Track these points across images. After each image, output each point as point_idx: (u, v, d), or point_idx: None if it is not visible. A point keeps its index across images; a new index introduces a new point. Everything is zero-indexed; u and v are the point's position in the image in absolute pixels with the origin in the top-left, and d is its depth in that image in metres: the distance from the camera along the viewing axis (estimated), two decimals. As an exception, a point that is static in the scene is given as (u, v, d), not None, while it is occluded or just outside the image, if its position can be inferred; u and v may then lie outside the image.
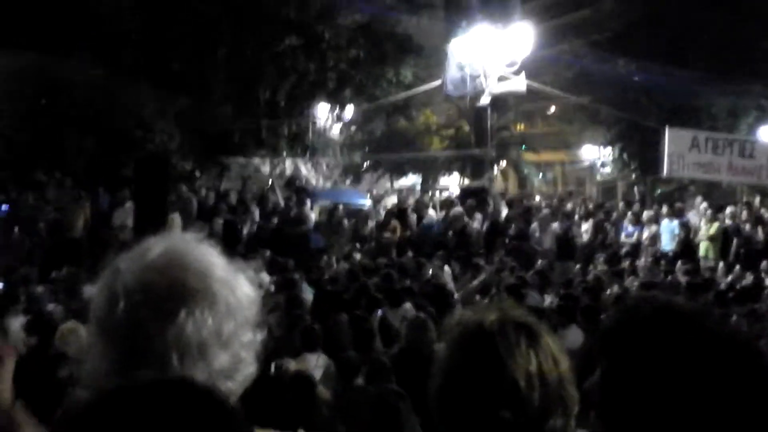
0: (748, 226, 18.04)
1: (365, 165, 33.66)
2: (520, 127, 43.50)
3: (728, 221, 18.01)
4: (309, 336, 8.04)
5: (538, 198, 28.51)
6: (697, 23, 24.33)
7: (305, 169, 23.37)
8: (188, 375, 1.49)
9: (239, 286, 1.62)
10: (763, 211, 19.46)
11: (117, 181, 17.87)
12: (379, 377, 7.39)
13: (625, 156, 30.56)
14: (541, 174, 42.79)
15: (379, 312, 9.86)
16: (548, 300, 11.76)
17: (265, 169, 22.72)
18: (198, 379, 1.49)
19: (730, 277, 15.23)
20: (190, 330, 1.53)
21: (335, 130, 28.92)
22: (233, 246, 14.00)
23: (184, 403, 1.12)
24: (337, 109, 27.73)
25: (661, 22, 25.19)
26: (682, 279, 14.71)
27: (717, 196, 26.37)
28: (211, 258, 1.63)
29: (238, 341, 1.57)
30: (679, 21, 24.80)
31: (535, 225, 18.33)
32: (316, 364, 7.58)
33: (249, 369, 1.60)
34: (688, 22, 24.57)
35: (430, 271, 13.65)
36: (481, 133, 24.87)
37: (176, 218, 15.13)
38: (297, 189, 21.07)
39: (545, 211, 19.45)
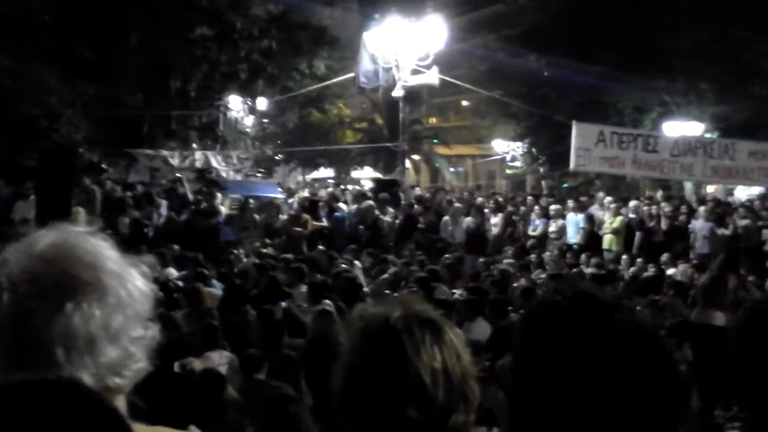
0: (650, 220, 18.58)
1: (278, 158, 33.45)
2: (433, 120, 43.94)
3: (631, 215, 18.52)
4: (210, 334, 7.94)
5: (448, 190, 28.79)
6: (606, 21, 24.88)
7: (216, 162, 23.01)
8: (67, 373, 1.43)
9: (131, 280, 1.57)
10: (663, 204, 20.07)
11: (19, 173, 17.30)
12: (286, 372, 7.37)
13: (534, 150, 31.11)
14: (452, 167, 43.31)
15: (283, 304, 9.79)
16: (457, 293, 11.88)
17: (175, 161, 22.28)
18: (84, 374, 1.45)
19: (632, 269, 15.65)
20: (77, 323, 1.48)
21: (247, 122, 28.67)
22: (138, 245, 13.71)
23: (57, 403, 1.08)
24: (249, 100, 27.45)
25: (572, 18, 25.68)
26: (588, 271, 15.09)
27: (622, 190, 27.15)
28: (103, 250, 1.58)
29: (127, 336, 1.52)
30: (589, 18, 25.32)
31: (446, 218, 18.51)
32: (219, 361, 7.48)
33: (139, 365, 1.55)
34: (597, 19, 25.10)
35: (342, 265, 13.64)
36: (393, 126, 24.97)
37: (81, 212, 14.72)
38: (207, 181, 20.76)
39: (457, 204, 19.65)
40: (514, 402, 1.41)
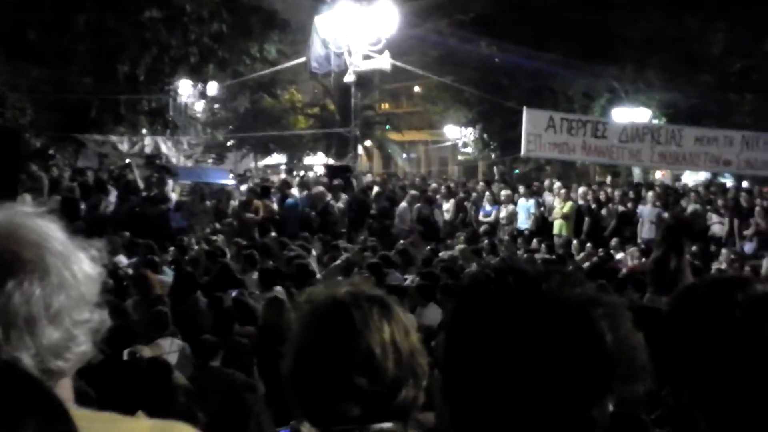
0: (598, 205, 18.81)
1: (229, 143, 33.18)
2: (385, 106, 43.90)
3: (581, 200, 18.75)
4: (160, 321, 7.87)
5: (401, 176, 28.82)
6: (557, 8, 25.08)
7: (166, 147, 22.73)
8: (6, 353, 1.41)
9: (77, 262, 1.54)
10: (613, 189, 20.37)
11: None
12: (238, 360, 7.34)
13: (486, 136, 31.27)
14: (405, 153, 43.37)
15: (233, 292, 9.74)
16: (410, 279, 11.91)
17: (124, 147, 21.97)
18: (24, 355, 1.42)
19: (582, 254, 15.86)
20: (17, 301, 1.44)
21: (198, 107, 28.36)
22: (72, 221, 13.46)
23: None
24: (200, 85, 27.14)
25: (523, 5, 25.83)
26: (539, 256, 15.23)
27: (572, 176, 27.45)
28: (49, 231, 1.55)
29: (70, 318, 1.49)
30: (540, 5, 25.50)
31: (404, 205, 18.51)
32: (169, 348, 7.42)
33: (81, 348, 1.52)
34: (548, 6, 25.30)
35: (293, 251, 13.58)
36: (345, 111, 24.90)
37: (27, 198, 14.45)
38: (157, 168, 20.51)
39: (413, 192, 19.66)
40: (444, 376, 1.42)
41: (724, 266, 14.31)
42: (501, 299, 1.36)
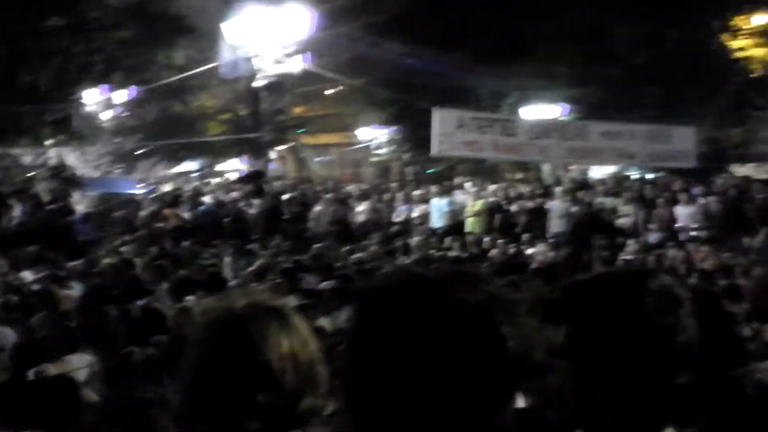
0: (508, 202, 19.11)
1: (139, 152, 32.53)
2: (298, 110, 43.58)
3: (492, 198, 19.02)
4: (67, 337, 7.68)
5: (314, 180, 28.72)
6: (466, 8, 25.37)
7: (72, 158, 22.17)
8: None
9: None
10: (522, 187, 20.72)
11: None
12: (149, 372, 7.21)
13: (399, 137, 31.41)
14: (319, 157, 43.23)
15: (140, 302, 9.58)
16: (325, 283, 11.89)
17: (27, 159, 21.35)
18: None
19: (494, 251, 16.09)
20: None
21: (105, 116, 27.73)
22: None
23: None
24: (107, 93, 26.56)
25: (431, 6, 26.05)
26: (453, 254, 15.40)
27: (484, 174, 27.80)
28: None
29: None
30: (449, 5, 25.75)
31: (319, 208, 18.48)
32: (78, 364, 7.23)
33: None
34: (457, 6, 25.57)
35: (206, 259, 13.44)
36: (257, 116, 24.70)
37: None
38: (63, 180, 19.99)
39: (328, 195, 19.67)
40: (346, 385, 1.42)
41: (630, 257, 14.70)
42: (401, 307, 1.37)
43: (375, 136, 36.03)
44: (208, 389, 1.88)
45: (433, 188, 20.17)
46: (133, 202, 19.00)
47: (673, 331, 1.70)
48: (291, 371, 1.87)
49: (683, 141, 20.94)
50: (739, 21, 29.09)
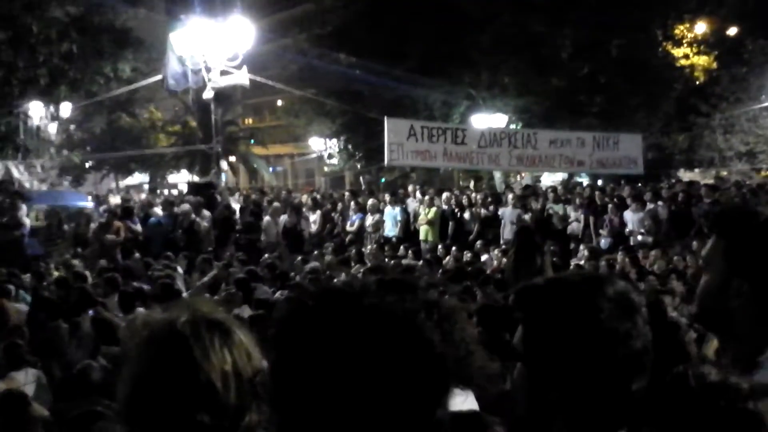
0: (461, 210, 19.20)
1: (87, 165, 32.12)
2: (249, 121, 43.51)
3: (445, 205, 19.12)
4: (13, 352, 7.53)
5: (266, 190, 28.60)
6: (412, 19, 25.52)
7: (18, 172, 21.77)
8: None
9: None
10: (475, 194, 20.84)
11: None
12: (101, 384, 7.10)
13: (350, 147, 31.45)
14: (271, 167, 43.13)
15: (90, 312, 9.44)
16: (279, 293, 11.83)
17: (-29, 174, 20.95)
18: None
19: (448, 258, 16.15)
20: None
21: (51, 129, 27.30)
22: None
23: None
24: (52, 106, 26.17)
25: (376, 17, 26.15)
26: (406, 262, 15.40)
27: (436, 182, 27.98)
28: None
29: None
30: (392, 16, 25.88)
31: (267, 219, 18.40)
32: (25, 380, 7.10)
33: None
34: (400, 17, 25.70)
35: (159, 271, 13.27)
36: (207, 128, 24.53)
37: None
38: (9, 193, 19.60)
39: (275, 204, 19.60)
40: (273, 405, 1.40)
41: (581, 262, 14.85)
42: (321, 321, 1.35)
43: (326, 146, 36.04)
44: (146, 406, 1.82)
45: (387, 197, 20.21)
46: (82, 215, 18.68)
47: (629, 337, 1.70)
48: (233, 388, 1.82)
49: (630, 148, 21.31)
50: (683, 30, 29.78)
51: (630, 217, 17.77)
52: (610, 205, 18.31)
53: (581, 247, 16.37)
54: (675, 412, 1.39)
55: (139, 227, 17.57)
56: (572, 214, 18.58)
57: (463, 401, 4.72)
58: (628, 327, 1.70)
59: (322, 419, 1.32)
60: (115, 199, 23.13)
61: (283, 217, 18.46)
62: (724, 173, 27.20)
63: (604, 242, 17.75)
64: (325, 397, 1.31)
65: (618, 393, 1.66)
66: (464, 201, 19.62)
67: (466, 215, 19.00)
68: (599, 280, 1.79)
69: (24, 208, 17.93)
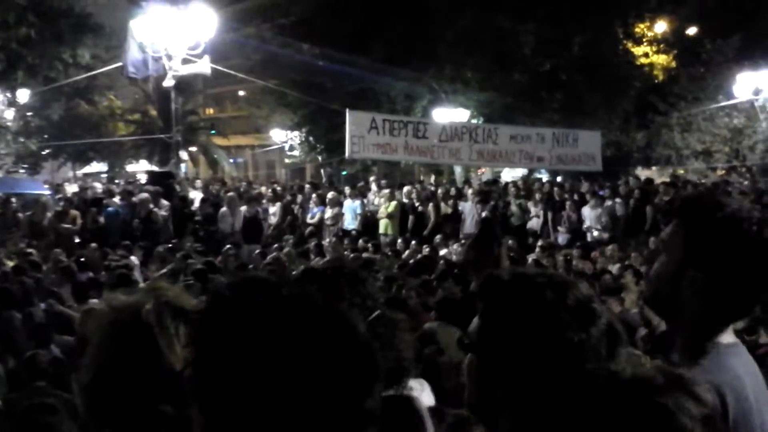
0: (420, 204, 19.25)
1: (44, 152, 31.61)
2: (210, 111, 43.14)
3: (405, 199, 19.15)
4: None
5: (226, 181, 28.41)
6: (375, 10, 25.48)
7: (-29, 160, 21.43)
8: None
9: None
10: (436, 188, 20.91)
11: None
12: (54, 374, 7.03)
13: (311, 139, 31.33)
14: (231, 158, 42.83)
15: (42, 305, 9.34)
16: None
17: (-74, 158, 20.55)
18: None
19: (407, 252, 16.18)
20: None
21: (8, 116, 26.86)
22: None
23: None
24: (9, 92, 25.72)
25: (341, 8, 26.07)
26: (365, 255, 15.40)
27: (397, 176, 27.99)
28: None
29: None
30: (358, 8, 25.81)
31: (224, 209, 18.29)
32: (-20, 370, 7.01)
33: None
34: (366, 9, 25.64)
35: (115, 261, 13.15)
36: (167, 117, 24.23)
37: None
38: (-37, 180, 19.32)
39: (231, 193, 19.48)
40: (198, 406, 1.38)
41: (537, 258, 14.96)
42: (238, 312, 1.33)
43: (287, 137, 35.86)
44: (107, 394, 1.80)
45: (347, 190, 20.19)
46: (38, 204, 18.36)
47: (582, 348, 1.72)
48: None
49: (589, 144, 21.53)
50: (643, 28, 30.09)
51: (588, 213, 17.98)
52: (568, 202, 18.49)
53: (539, 242, 16.51)
54: (586, 411, 1.40)
55: (95, 216, 17.37)
56: (532, 210, 18.73)
57: (419, 393, 4.76)
58: (582, 338, 1.72)
59: (246, 414, 1.29)
60: (72, 188, 22.76)
61: (243, 208, 18.35)
62: (681, 171, 27.58)
63: (561, 238, 17.94)
64: (246, 391, 1.29)
65: (560, 396, 1.62)
66: (424, 195, 19.68)
67: (426, 209, 19.06)
68: (565, 286, 1.79)
69: (-22, 195, 17.66)
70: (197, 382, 1.36)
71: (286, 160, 40.40)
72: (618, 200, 18.43)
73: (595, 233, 17.52)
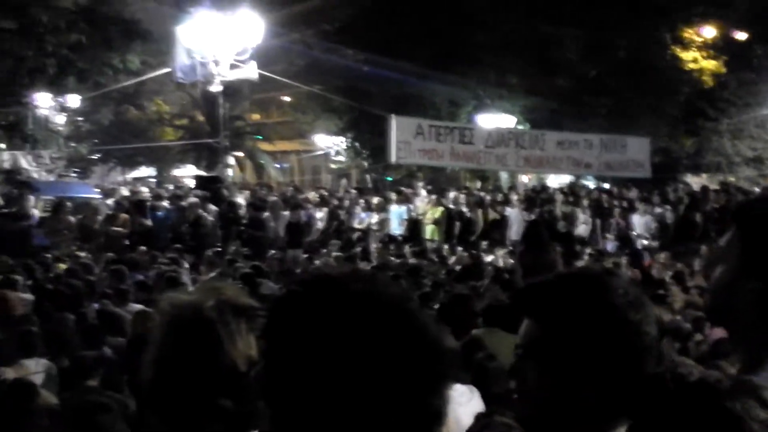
0: (468, 209, 19.18)
1: (94, 157, 32.14)
2: (255, 116, 43.45)
3: (451, 205, 19.11)
4: (26, 341, 7.54)
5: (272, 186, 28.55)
6: (415, 16, 25.50)
7: (26, 162, 21.83)
8: None
9: None
10: (482, 194, 20.82)
11: None
12: (107, 375, 7.12)
13: (357, 144, 31.42)
14: (277, 163, 43.08)
15: (95, 305, 9.47)
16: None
17: (-20, 163, 21.01)
18: None
19: (453, 258, 16.13)
20: None
21: (59, 120, 27.35)
22: None
23: None
24: (60, 97, 26.20)
25: (382, 14, 26.14)
26: (411, 261, 15.39)
27: (442, 181, 27.94)
28: None
29: None
30: (398, 14, 25.87)
31: (267, 214, 18.39)
32: (35, 368, 7.11)
33: None
34: (406, 15, 25.67)
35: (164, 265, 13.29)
36: (214, 122, 24.52)
37: None
38: (17, 183, 19.65)
39: (275, 198, 19.59)
40: (266, 400, 1.38)
41: (585, 265, 14.84)
42: (308, 308, 1.34)
43: (333, 143, 36.00)
44: (169, 389, 1.83)
45: (393, 195, 20.20)
46: (89, 207, 18.65)
47: (643, 326, 1.69)
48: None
49: (638, 151, 21.31)
50: (691, 33, 29.68)
51: (637, 220, 17.77)
52: (616, 209, 18.30)
53: (587, 249, 16.35)
54: (654, 413, 1.38)
55: (145, 220, 17.58)
56: (580, 217, 18.56)
57: (468, 399, 4.73)
58: (640, 317, 1.69)
59: (313, 409, 1.30)
60: (121, 192, 23.11)
61: (286, 213, 18.44)
62: (732, 179, 27.14)
63: (609, 245, 17.74)
64: (315, 387, 1.29)
65: (631, 386, 1.63)
66: (471, 201, 19.62)
67: (473, 215, 18.98)
68: (608, 273, 1.79)
69: (32, 198, 17.97)
70: (266, 376, 1.37)
71: (332, 166, 40.57)
72: (668, 207, 18.20)
73: (645, 241, 17.31)
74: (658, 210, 18.01)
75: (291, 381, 1.32)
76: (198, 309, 1.86)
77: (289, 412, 1.33)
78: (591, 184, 26.70)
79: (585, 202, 19.03)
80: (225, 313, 1.86)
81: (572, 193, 20.97)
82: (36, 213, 17.60)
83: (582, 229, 18.35)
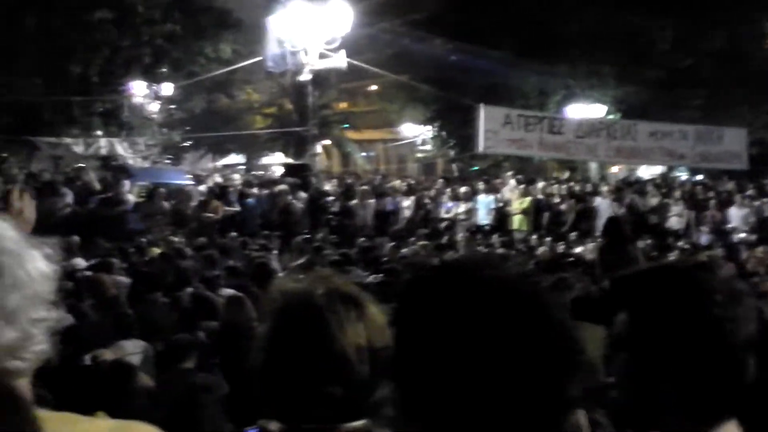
0: (557, 200, 18.96)
1: (186, 144, 32.88)
2: (342, 105, 43.72)
3: (539, 195, 18.90)
4: (122, 322, 7.73)
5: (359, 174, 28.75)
6: (506, 5, 25.24)
7: (122, 149, 22.48)
8: None
9: (30, 260, 1.49)
10: (572, 184, 20.53)
11: None
12: (200, 359, 7.26)
13: (443, 133, 31.36)
14: (363, 152, 43.33)
15: (189, 289, 9.65)
16: (372, 276, 11.87)
17: (79, 148, 21.66)
18: None
19: (541, 249, 15.95)
20: None
21: (153, 108, 28.03)
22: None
23: None
24: (154, 85, 26.86)
25: (472, 3, 26.00)
26: (499, 251, 15.29)
27: (529, 171, 27.65)
28: (0, 230, 1.50)
29: (26, 317, 1.45)
30: (489, 3, 25.65)
31: (355, 201, 18.53)
32: (133, 350, 7.29)
33: (40, 347, 1.48)
34: (497, 3, 25.44)
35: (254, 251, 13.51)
36: (302, 110, 24.77)
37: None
38: (113, 169, 20.25)
39: (363, 187, 19.72)
40: (400, 390, 1.38)
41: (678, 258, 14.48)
42: (439, 293, 1.33)
43: (419, 132, 35.98)
44: (280, 375, 1.85)
45: (480, 184, 20.09)
46: (182, 193, 19.11)
47: (740, 321, 1.63)
48: (366, 362, 1.83)
49: (734, 142, 20.66)
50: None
51: (734, 213, 17.25)
52: (712, 201, 17.80)
53: (680, 242, 15.97)
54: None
55: (235, 206, 17.90)
56: (673, 209, 18.13)
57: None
58: (738, 312, 1.63)
59: (444, 394, 1.30)
60: (213, 179, 23.60)
61: (372, 201, 18.55)
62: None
63: (704, 238, 17.27)
64: (445, 372, 1.29)
65: (730, 381, 1.59)
66: (560, 191, 19.37)
67: (562, 206, 18.75)
68: (706, 265, 1.75)
69: (127, 184, 18.50)
70: (396, 361, 1.37)
71: (418, 155, 40.59)
72: (765, 200, 17.60)
73: (742, 234, 16.78)
74: (756, 203, 17.44)
75: (420, 367, 1.32)
76: (308, 296, 1.88)
77: (418, 396, 1.33)
78: (684, 175, 26.01)
79: (677, 194, 18.55)
80: (334, 302, 1.88)
81: (665, 184, 20.46)
82: (131, 198, 18.10)
83: (675, 221, 17.91)
